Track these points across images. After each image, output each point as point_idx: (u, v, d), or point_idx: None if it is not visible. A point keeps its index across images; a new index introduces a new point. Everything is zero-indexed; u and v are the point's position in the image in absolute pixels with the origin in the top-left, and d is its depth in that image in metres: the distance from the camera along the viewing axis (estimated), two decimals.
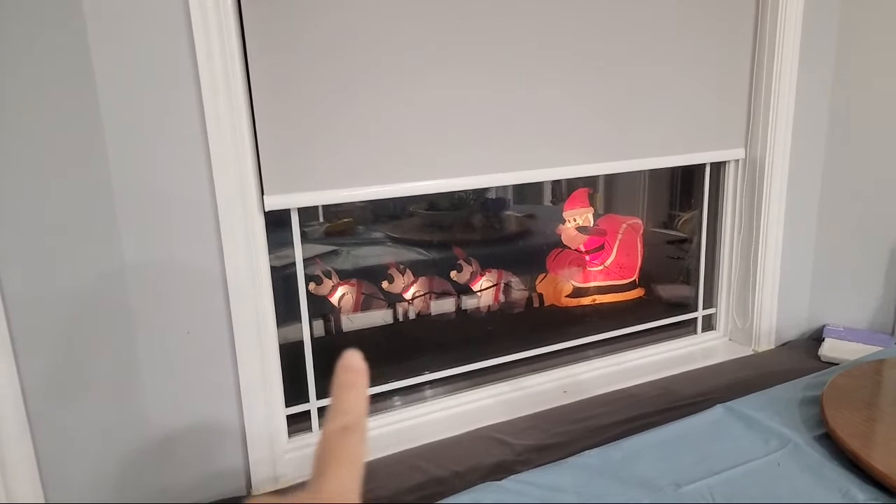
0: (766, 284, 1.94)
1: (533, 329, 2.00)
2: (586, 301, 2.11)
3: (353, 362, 0.33)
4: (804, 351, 1.93)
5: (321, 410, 1.58)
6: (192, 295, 1.28)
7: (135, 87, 1.17)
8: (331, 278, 1.83)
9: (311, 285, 1.74)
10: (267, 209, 1.34)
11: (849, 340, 1.90)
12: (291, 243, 1.46)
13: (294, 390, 1.53)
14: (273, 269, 1.44)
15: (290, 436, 1.52)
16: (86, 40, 1.12)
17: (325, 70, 1.33)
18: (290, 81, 1.31)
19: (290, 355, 1.52)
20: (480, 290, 2.02)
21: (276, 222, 1.43)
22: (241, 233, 1.28)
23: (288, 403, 1.51)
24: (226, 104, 1.22)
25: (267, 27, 1.27)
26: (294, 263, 1.48)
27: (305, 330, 1.52)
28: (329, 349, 1.70)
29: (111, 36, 1.14)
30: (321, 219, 1.85)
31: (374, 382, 1.66)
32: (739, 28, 1.81)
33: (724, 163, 1.96)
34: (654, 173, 2.13)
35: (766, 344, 1.98)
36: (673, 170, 2.10)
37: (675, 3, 1.68)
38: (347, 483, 0.29)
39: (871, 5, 1.83)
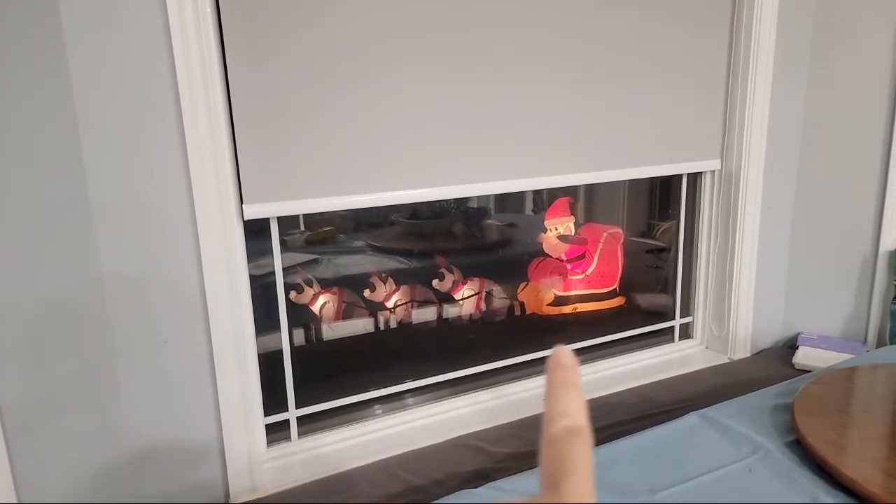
0: (742, 293, 1.97)
1: (514, 337, 2.02)
2: (567, 309, 2.12)
3: (565, 359, 0.30)
4: (779, 359, 1.96)
5: (300, 420, 1.58)
6: (170, 305, 1.27)
7: (112, 96, 1.16)
8: (312, 287, 1.83)
9: (293, 294, 1.74)
10: (246, 218, 1.34)
11: (822, 348, 1.93)
12: (271, 252, 1.46)
13: (273, 399, 1.53)
14: (253, 277, 1.44)
15: (268, 445, 1.52)
16: (63, 52, 1.12)
17: (306, 79, 1.34)
18: (270, 90, 1.32)
19: (270, 364, 1.52)
20: (462, 299, 2.02)
21: (256, 231, 1.43)
22: (219, 242, 1.28)
23: (267, 413, 1.51)
24: (204, 113, 1.22)
25: (247, 37, 1.28)
26: (274, 272, 1.48)
27: (285, 339, 1.52)
28: (310, 358, 1.70)
29: (89, 47, 1.14)
30: (302, 227, 1.85)
31: (355, 391, 1.66)
32: (715, 41, 1.84)
33: (701, 173, 1.99)
34: (634, 183, 2.16)
35: (741, 352, 2.01)
36: (652, 180, 2.13)
37: (652, 17, 1.71)
38: (587, 494, 0.26)
39: (845, 20, 1.88)
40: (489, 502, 1.06)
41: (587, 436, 0.28)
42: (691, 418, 1.27)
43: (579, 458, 0.27)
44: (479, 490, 1.09)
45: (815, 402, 1.24)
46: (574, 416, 0.28)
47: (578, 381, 0.30)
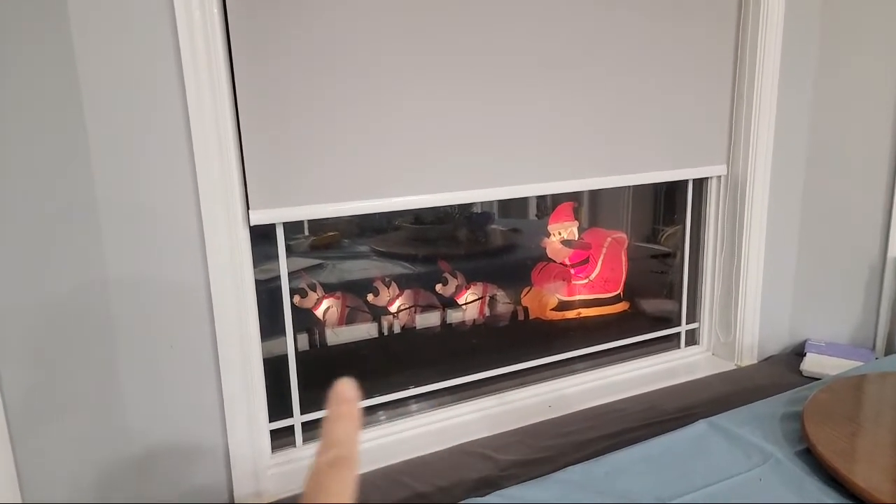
0: (749, 299, 1.96)
1: (518, 343, 2.01)
2: (571, 314, 2.12)
3: (343, 392, 0.32)
4: (786, 365, 1.95)
5: (305, 425, 1.57)
6: (176, 309, 1.27)
7: (120, 100, 1.16)
8: (315, 291, 1.83)
9: (296, 298, 1.73)
10: (252, 224, 1.34)
11: (830, 355, 1.92)
12: (276, 257, 1.46)
13: (278, 405, 1.52)
14: (258, 282, 1.43)
15: (273, 451, 1.51)
16: (72, 54, 1.12)
17: (312, 85, 1.34)
18: (277, 96, 1.31)
19: (275, 369, 1.51)
20: (465, 304, 2.02)
21: (262, 235, 1.43)
22: (225, 247, 1.28)
23: (272, 418, 1.50)
24: (212, 119, 1.22)
25: (254, 43, 1.28)
26: (279, 277, 1.48)
27: (290, 345, 1.51)
28: (314, 363, 1.70)
29: (98, 50, 1.13)
30: (306, 232, 1.85)
31: (361, 396, 1.65)
32: (721, 46, 1.84)
33: (707, 179, 1.98)
34: (638, 188, 2.15)
35: (748, 358, 2.00)
36: (656, 185, 2.12)
37: (657, 22, 1.71)
38: None
39: (851, 26, 1.87)
40: None
41: (351, 466, 0.30)
42: (700, 426, 1.26)
43: (338, 487, 0.29)
44: (487, 498, 1.08)
45: (824, 411, 1.22)
46: (342, 447, 0.30)
47: (354, 412, 0.32)
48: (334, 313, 1.87)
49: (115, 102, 1.16)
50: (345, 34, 1.35)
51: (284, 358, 1.52)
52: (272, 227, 1.43)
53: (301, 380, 1.55)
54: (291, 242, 1.75)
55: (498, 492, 1.10)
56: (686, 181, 2.00)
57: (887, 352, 1.94)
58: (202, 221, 1.24)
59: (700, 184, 2.01)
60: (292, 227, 1.71)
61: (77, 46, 1.12)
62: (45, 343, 1.18)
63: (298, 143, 1.35)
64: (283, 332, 1.51)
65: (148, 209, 1.21)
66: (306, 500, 0.29)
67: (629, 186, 2.10)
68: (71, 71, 1.12)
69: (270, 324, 1.49)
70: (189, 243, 1.25)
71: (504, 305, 2.09)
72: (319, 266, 1.90)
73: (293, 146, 1.35)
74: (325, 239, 1.91)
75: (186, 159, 1.22)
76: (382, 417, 1.68)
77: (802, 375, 1.85)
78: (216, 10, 1.21)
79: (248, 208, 1.33)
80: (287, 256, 1.48)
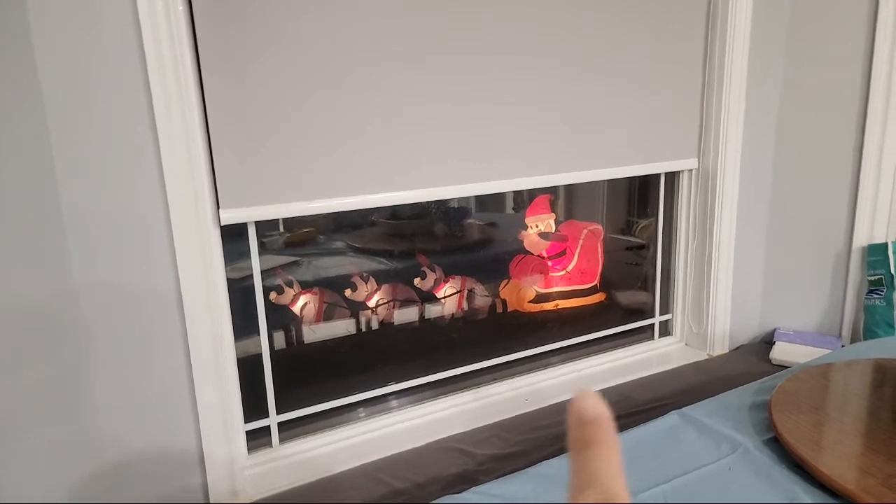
0: (720, 290, 1.99)
1: (496, 336, 2.02)
2: (549, 306, 2.13)
3: (590, 409, 0.24)
4: (756, 354, 1.99)
5: (282, 425, 1.57)
6: (146, 312, 1.25)
7: (83, 102, 1.14)
8: (292, 288, 1.82)
9: (273, 295, 1.73)
10: (223, 223, 1.33)
11: (799, 343, 1.96)
12: (250, 255, 1.45)
13: (254, 405, 1.51)
14: (232, 280, 1.42)
15: (249, 452, 1.51)
16: (32, 54, 1.09)
17: (282, 83, 1.33)
18: (246, 93, 1.30)
19: (251, 369, 1.50)
20: (444, 297, 2.02)
21: (235, 233, 1.42)
22: (195, 248, 1.26)
23: (249, 418, 1.50)
24: (178, 118, 1.20)
25: (221, 40, 1.26)
26: (252, 275, 1.47)
27: (264, 346, 1.51)
28: (291, 361, 1.69)
29: (58, 50, 1.11)
30: (281, 229, 1.84)
31: (336, 394, 1.65)
32: (690, 41, 1.86)
33: (679, 172, 2.01)
34: (613, 181, 2.16)
35: (720, 348, 2.03)
36: (631, 177, 2.15)
37: (627, 18, 1.72)
38: None
39: (819, 20, 1.90)
40: None
41: None
42: (671, 418, 1.28)
43: None
44: (463, 495, 1.09)
45: (791, 400, 1.25)
46: (601, 486, 0.23)
47: (608, 435, 0.24)
48: (311, 309, 1.86)
49: (76, 105, 1.14)
50: (316, 31, 1.34)
51: (260, 357, 1.52)
52: (245, 225, 1.42)
53: (278, 378, 1.55)
54: (266, 239, 1.74)
55: (473, 488, 1.11)
56: (659, 175, 2.03)
57: (853, 339, 1.99)
58: (171, 222, 1.23)
59: (672, 177, 2.04)
60: (267, 225, 1.70)
61: (37, 48, 1.10)
62: (14, 351, 1.16)
63: (269, 140, 1.34)
64: (258, 332, 1.50)
65: (114, 212, 1.19)
66: None
67: (604, 179, 2.11)
68: (31, 73, 1.10)
69: (246, 323, 1.48)
70: (158, 245, 1.24)
71: (482, 298, 2.10)
72: (295, 263, 1.89)
73: (264, 144, 1.34)
74: (300, 236, 1.90)
75: (153, 160, 1.20)
76: (361, 415, 1.68)
77: (772, 364, 1.89)
78: (181, 7, 1.19)
79: (218, 207, 1.32)
80: (262, 254, 1.47)
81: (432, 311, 1.99)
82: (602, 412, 0.25)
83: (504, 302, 2.12)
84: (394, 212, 2.01)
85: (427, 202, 1.98)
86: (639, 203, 2.23)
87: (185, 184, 1.23)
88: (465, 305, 2.05)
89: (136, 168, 1.20)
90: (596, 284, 2.18)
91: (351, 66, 1.39)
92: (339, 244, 1.99)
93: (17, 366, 1.17)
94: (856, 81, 1.86)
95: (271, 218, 1.40)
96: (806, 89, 1.94)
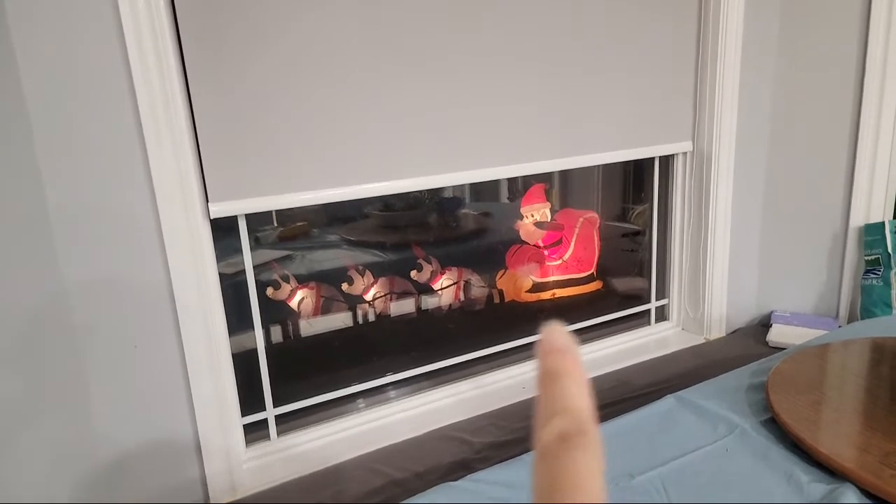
0: (716, 273, 1.98)
1: (494, 326, 2.02)
2: (546, 295, 2.13)
3: (557, 340, 0.24)
4: (753, 337, 1.98)
5: (280, 418, 1.56)
6: (138, 308, 1.25)
7: (66, 98, 1.13)
8: (289, 282, 1.81)
9: (269, 290, 1.72)
10: (212, 216, 1.31)
11: (795, 325, 1.96)
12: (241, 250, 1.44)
13: (251, 399, 1.51)
14: (227, 275, 1.41)
15: (247, 445, 1.50)
16: (13, 55, 1.08)
17: (270, 74, 1.31)
18: (233, 84, 1.29)
19: (247, 363, 1.50)
20: (441, 289, 2.01)
21: (228, 228, 1.41)
22: (185, 242, 1.25)
23: (245, 412, 1.49)
24: (164, 112, 1.19)
25: (206, 29, 1.24)
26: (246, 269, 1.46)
27: (259, 338, 1.50)
28: (289, 355, 1.69)
29: (38, 48, 1.10)
30: (275, 223, 1.83)
31: (333, 387, 1.65)
32: (684, 23, 1.84)
33: (673, 156, 2.00)
34: (608, 167, 2.16)
35: (717, 332, 2.03)
36: (625, 163, 2.14)
37: (621, 1, 1.71)
38: None
39: (812, 1, 1.89)
40: (468, 499, 1.06)
41: (589, 440, 0.21)
42: (668, 401, 1.28)
43: (575, 474, 0.20)
44: (459, 483, 1.08)
45: (788, 380, 1.25)
46: (570, 414, 0.22)
47: (575, 365, 0.23)
48: (309, 304, 1.85)
49: (59, 101, 1.12)
50: (303, 22, 1.33)
51: (255, 351, 1.51)
52: (236, 219, 1.41)
53: (276, 372, 1.54)
54: (259, 234, 1.73)
55: (470, 475, 1.10)
56: (653, 159, 2.01)
57: (850, 319, 1.98)
58: (159, 217, 1.22)
59: (667, 161, 2.03)
60: (260, 219, 1.69)
61: (17, 45, 1.08)
62: (6, 351, 1.15)
63: (257, 132, 1.33)
64: (254, 325, 1.49)
65: (101, 208, 1.18)
66: (541, 498, 0.20)
67: (599, 166, 2.10)
68: (13, 72, 1.08)
69: (242, 317, 1.47)
70: (147, 240, 1.23)
71: (479, 289, 2.09)
72: (289, 257, 1.88)
73: (252, 136, 1.32)
74: (293, 229, 1.89)
75: (138, 154, 1.19)
76: (360, 405, 1.68)
77: (769, 346, 1.89)
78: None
79: (207, 201, 1.31)
80: (255, 249, 1.46)
81: (429, 302, 1.98)
82: (569, 344, 0.24)
83: (501, 292, 2.11)
84: (387, 203, 2.00)
85: (421, 193, 1.97)
86: (634, 189, 2.23)
87: (173, 178, 1.22)
88: (461, 296, 2.04)
89: (122, 163, 1.18)
90: (593, 273, 2.18)
91: (339, 57, 1.38)
92: (333, 237, 1.98)
93: (11, 366, 1.16)
94: (852, 60, 1.85)
95: (261, 210, 1.39)
96: (801, 68, 1.93)
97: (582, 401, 0.22)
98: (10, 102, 1.09)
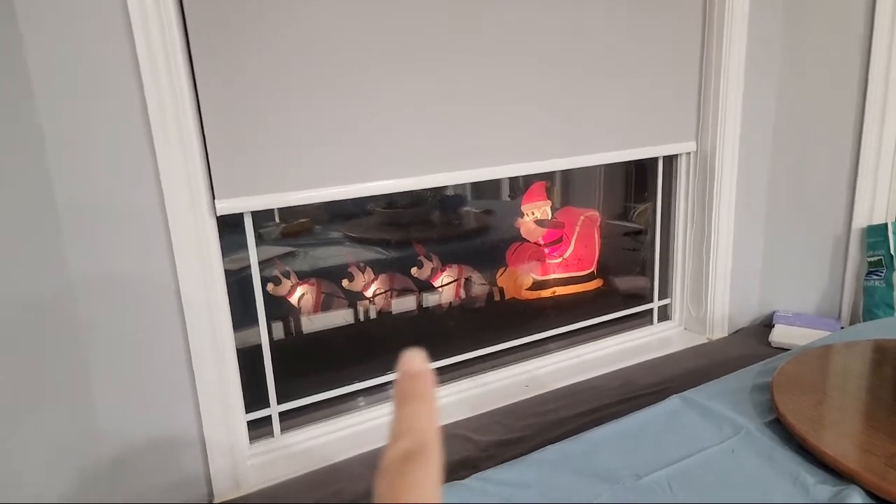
0: (719, 273, 1.99)
1: (494, 324, 2.02)
2: (546, 293, 2.13)
3: (413, 366, 0.26)
4: (755, 337, 1.99)
5: (283, 415, 1.56)
6: (144, 303, 1.25)
7: (75, 94, 1.13)
8: (289, 278, 1.81)
9: (270, 286, 1.72)
10: (218, 214, 1.31)
11: (798, 326, 1.96)
12: (247, 246, 1.44)
13: (255, 395, 1.51)
14: (230, 271, 1.41)
15: (251, 441, 1.51)
16: (22, 50, 1.08)
17: (276, 71, 1.31)
18: (239, 83, 1.29)
19: (250, 359, 1.50)
20: (441, 286, 2.01)
21: (232, 225, 1.41)
22: (192, 238, 1.25)
23: (249, 409, 1.49)
24: (171, 109, 1.19)
25: (213, 29, 1.24)
26: (250, 265, 1.46)
27: (263, 334, 1.50)
28: (290, 351, 1.69)
29: (48, 43, 1.10)
30: (277, 219, 1.82)
31: (336, 384, 1.65)
32: (688, 23, 1.84)
33: (677, 155, 2.00)
34: (610, 166, 2.15)
35: (719, 332, 2.03)
36: (627, 162, 2.14)
37: (625, 2, 1.70)
38: None
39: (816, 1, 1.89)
40: (475, 499, 1.06)
41: (429, 457, 0.23)
42: (673, 401, 1.28)
43: (415, 489, 0.23)
44: (466, 482, 1.08)
45: (793, 381, 1.25)
46: (416, 434, 0.24)
47: (428, 389, 0.26)
48: (309, 300, 1.85)
49: (68, 97, 1.12)
50: (310, 21, 1.32)
51: (260, 347, 1.51)
52: (242, 216, 1.41)
53: (278, 369, 1.54)
54: (262, 231, 1.73)
55: (477, 474, 1.10)
56: (656, 159, 2.02)
57: (852, 320, 1.99)
58: (166, 213, 1.22)
59: (670, 161, 2.03)
60: (263, 215, 1.68)
61: (27, 44, 1.08)
62: (13, 346, 1.15)
63: (264, 130, 1.33)
64: (257, 322, 1.49)
65: (109, 203, 1.18)
66: None
67: (601, 165, 2.10)
68: (22, 67, 1.08)
69: (244, 314, 1.47)
70: (154, 236, 1.23)
71: (479, 287, 2.09)
72: (291, 254, 1.88)
73: (259, 134, 1.32)
74: (296, 226, 1.89)
75: (146, 150, 1.19)
76: (362, 403, 1.68)
77: (771, 346, 1.90)
78: None
79: (213, 198, 1.30)
80: (258, 245, 1.46)
81: (430, 299, 1.98)
82: (425, 369, 0.26)
83: (501, 290, 2.11)
84: (390, 201, 1.99)
85: (423, 190, 1.97)
86: (636, 188, 2.23)
87: (180, 174, 1.22)
88: (462, 294, 2.04)
89: (130, 159, 1.18)
90: (593, 271, 2.18)
91: (345, 56, 1.37)
92: (335, 234, 1.98)
93: (15, 358, 1.16)
94: (855, 60, 1.85)
95: (267, 207, 1.39)
96: (805, 69, 1.93)
97: (428, 422, 0.25)
98: (19, 97, 1.09)
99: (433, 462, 0.24)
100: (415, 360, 0.27)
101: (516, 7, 1.55)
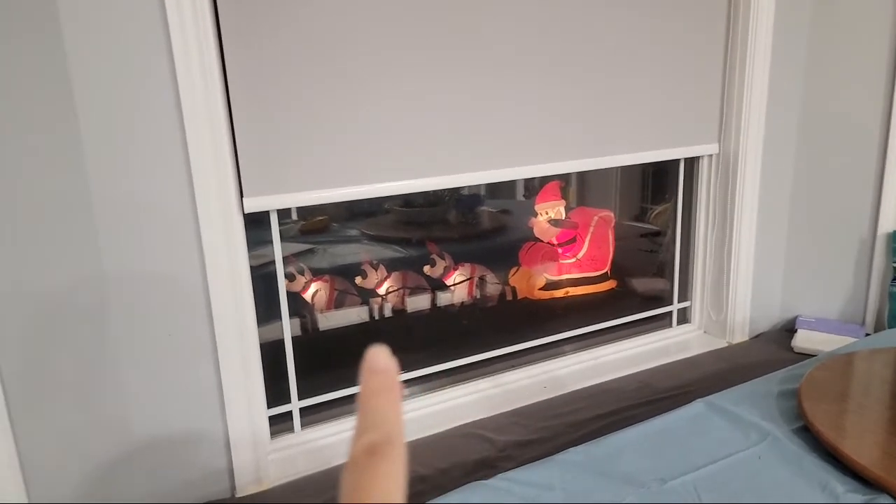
0: (740, 277, 1.97)
1: (508, 323, 2.01)
2: (559, 294, 2.12)
3: (378, 361, 0.26)
4: (777, 342, 1.97)
5: (303, 411, 1.57)
6: (173, 299, 1.26)
7: (112, 91, 1.14)
8: (303, 275, 1.81)
9: (284, 282, 1.72)
10: (247, 211, 1.32)
11: (821, 331, 1.94)
12: (267, 243, 1.44)
13: (275, 391, 1.51)
14: (253, 268, 1.41)
15: (272, 437, 1.51)
16: (62, 44, 1.09)
17: (304, 74, 1.32)
18: (268, 84, 1.30)
19: (270, 355, 1.50)
20: (454, 285, 2.01)
21: (252, 221, 1.41)
22: (220, 235, 1.26)
23: (269, 404, 1.50)
24: (204, 108, 1.20)
25: (245, 32, 1.26)
26: (268, 262, 1.46)
27: (286, 329, 1.51)
28: (306, 347, 1.69)
29: (88, 41, 1.11)
30: (295, 217, 1.83)
31: (354, 381, 1.65)
32: (712, 24, 1.83)
33: (698, 157, 1.98)
34: (626, 167, 2.14)
35: (740, 336, 2.02)
36: (645, 164, 2.13)
37: (649, 4, 1.69)
38: None
39: (842, 2, 1.87)
40: (501, 499, 1.06)
41: (394, 451, 0.24)
42: (697, 406, 1.27)
43: (378, 483, 0.23)
44: (491, 482, 1.08)
45: (820, 388, 1.24)
46: (380, 429, 0.24)
47: (392, 385, 0.26)
48: (322, 297, 1.86)
49: (106, 95, 1.14)
50: (336, 23, 1.33)
51: (278, 343, 1.51)
52: (265, 213, 1.41)
53: (297, 366, 1.54)
54: (281, 228, 1.73)
55: (502, 474, 1.10)
56: (677, 160, 2.00)
57: (877, 327, 1.97)
58: (197, 211, 1.23)
59: (691, 162, 2.01)
60: (281, 213, 1.69)
61: (67, 40, 1.10)
62: (44, 337, 1.17)
63: (291, 130, 1.33)
64: (274, 318, 1.50)
65: (143, 201, 1.20)
66: (345, 501, 0.23)
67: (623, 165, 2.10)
68: (61, 65, 1.10)
69: (264, 310, 1.48)
70: (184, 233, 1.24)
71: (492, 286, 2.08)
72: (310, 251, 1.88)
73: (286, 133, 1.33)
74: (314, 224, 1.89)
75: (180, 150, 1.20)
76: None
77: (793, 352, 1.88)
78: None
79: (241, 196, 1.31)
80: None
81: (443, 298, 1.98)
82: (390, 365, 0.26)
83: (514, 289, 2.10)
84: (407, 199, 2.00)
85: (441, 190, 1.97)
86: (653, 189, 2.21)
87: (210, 173, 1.23)
88: (475, 293, 2.04)
89: (163, 157, 1.20)
90: (607, 272, 2.17)
91: (372, 57, 1.38)
92: (352, 232, 1.98)
93: (48, 353, 1.17)
94: (882, 61, 1.83)
95: (294, 206, 1.40)
96: (830, 71, 1.91)
97: (394, 416, 0.25)
98: (58, 94, 1.11)
99: (398, 456, 0.24)
100: (380, 357, 0.27)
101: (540, 9, 1.54)
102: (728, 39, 1.85)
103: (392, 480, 0.24)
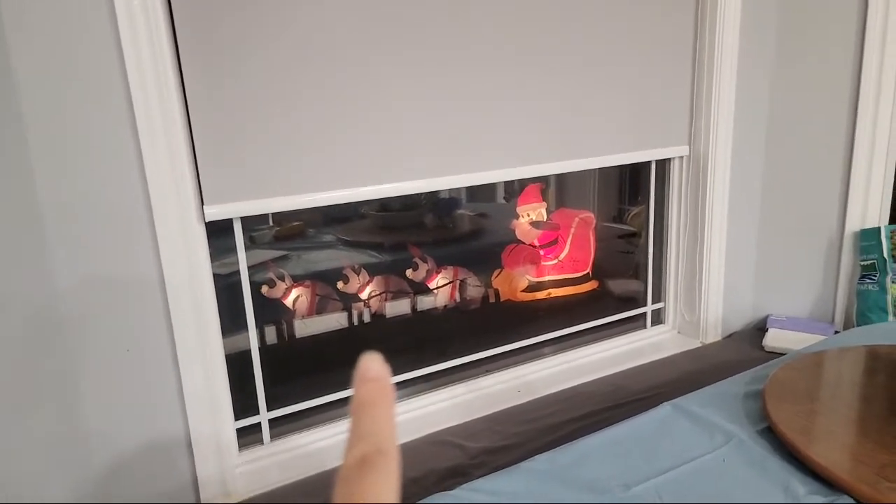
0: (712, 277, 1.98)
1: (489, 326, 2.01)
2: (541, 295, 2.12)
3: (370, 370, 0.26)
4: (749, 341, 1.98)
5: (273, 422, 1.55)
6: (131, 310, 1.23)
7: (60, 95, 1.11)
8: (284, 281, 1.80)
9: (264, 288, 1.71)
10: (207, 219, 1.30)
11: (791, 330, 1.96)
12: (236, 251, 1.43)
13: (245, 402, 1.49)
14: (223, 276, 1.40)
15: (240, 449, 1.49)
16: (4, 43, 1.06)
17: (266, 75, 1.30)
18: (229, 86, 1.27)
19: (241, 365, 1.48)
20: (436, 288, 2.00)
21: (224, 228, 1.40)
22: (179, 244, 1.24)
23: (239, 416, 1.48)
24: (158, 112, 1.18)
25: (202, 31, 1.23)
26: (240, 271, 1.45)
27: (253, 342, 1.49)
28: (283, 355, 1.67)
29: (32, 44, 1.08)
30: (270, 222, 1.81)
31: (329, 389, 1.64)
32: (680, 26, 1.84)
33: (669, 159, 1.99)
34: (604, 168, 2.14)
35: (713, 336, 2.03)
36: (622, 165, 2.13)
37: (616, 4, 1.69)
38: None
39: (809, 3, 1.88)
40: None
41: (387, 462, 0.24)
42: (664, 409, 1.27)
43: (369, 494, 0.23)
44: (455, 492, 1.07)
45: (785, 389, 1.24)
46: (372, 439, 0.24)
47: (386, 394, 0.26)
48: (304, 302, 1.84)
49: (53, 98, 1.11)
50: (302, 22, 1.31)
51: (250, 353, 1.50)
52: (232, 220, 1.40)
53: (270, 374, 1.53)
54: (255, 234, 1.72)
55: (466, 485, 1.09)
56: (649, 162, 2.01)
57: (846, 325, 1.98)
58: (153, 218, 1.21)
59: (663, 164, 2.02)
60: (255, 219, 1.67)
61: (11, 45, 1.07)
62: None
63: (253, 135, 1.31)
64: (247, 328, 1.48)
65: (95, 208, 1.17)
66: None
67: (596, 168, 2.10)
68: (4, 64, 1.07)
69: (235, 319, 1.46)
70: (140, 241, 1.21)
71: (475, 289, 2.08)
72: (285, 257, 1.87)
73: (248, 138, 1.31)
74: (289, 229, 1.88)
75: (133, 154, 1.18)
76: None
77: (765, 350, 1.89)
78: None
79: (202, 203, 1.29)
80: (251, 248, 1.45)
81: (425, 302, 1.97)
82: (383, 374, 0.26)
83: (497, 292, 2.10)
84: (383, 204, 1.98)
85: (417, 194, 1.96)
86: (630, 191, 2.22)
87: (167, 180, 1.21)
88: (457, 296, 2.04)
89: (116, 163, 1.17)
90: (588, 272, 2.17)
91: (337, 60, 1.36)
92: (328, 237, 1.97)
93: (4, 361, 1.15)
94: (847, 65, 1.85)
95: (256, 213, 1.38)
96: (797, 73, 1.93)
97: (387, 427, 0.25)
98: (3, 99, 1.08)
99: (391, 467, 0.24)
100: (373, 366, 0.26)
101: (511, 14, 1.54)
102: (696, 41, 1.86)
103: (384, 491, 0.23)
